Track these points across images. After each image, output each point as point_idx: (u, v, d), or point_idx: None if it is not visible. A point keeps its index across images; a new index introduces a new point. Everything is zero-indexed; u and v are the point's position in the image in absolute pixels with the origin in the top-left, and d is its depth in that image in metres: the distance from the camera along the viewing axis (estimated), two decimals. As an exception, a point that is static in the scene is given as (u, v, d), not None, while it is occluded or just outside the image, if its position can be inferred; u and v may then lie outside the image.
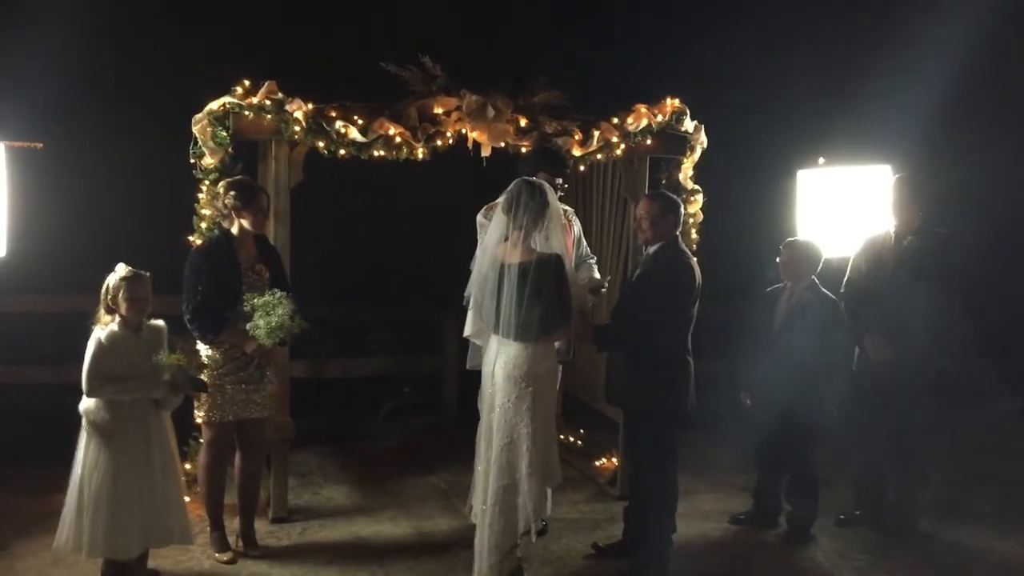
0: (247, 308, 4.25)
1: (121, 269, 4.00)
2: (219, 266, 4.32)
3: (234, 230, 4.41)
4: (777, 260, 5.05)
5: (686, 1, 8.05)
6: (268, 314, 4.19)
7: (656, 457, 4.47)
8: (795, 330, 4.87)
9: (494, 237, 4.14)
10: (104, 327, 3.92)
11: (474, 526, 4.26)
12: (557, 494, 5.26)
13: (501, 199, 4.15)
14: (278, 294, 4.27)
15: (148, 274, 4.04)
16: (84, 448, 4.00)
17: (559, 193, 4.49)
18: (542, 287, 3.98)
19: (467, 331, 4.56)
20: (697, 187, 5.59)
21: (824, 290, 4.98)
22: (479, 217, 4.85)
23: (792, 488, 5.13)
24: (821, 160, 5.65)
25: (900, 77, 7.36)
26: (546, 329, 4.04)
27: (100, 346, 3.89)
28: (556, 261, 4.03)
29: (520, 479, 4.06)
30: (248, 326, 4.24)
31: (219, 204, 4.42)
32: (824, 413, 4.93)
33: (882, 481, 5.18)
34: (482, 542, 4.15)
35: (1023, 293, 7.48)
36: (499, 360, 4.12)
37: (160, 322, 4.12)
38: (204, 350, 4.31)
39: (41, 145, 4.84)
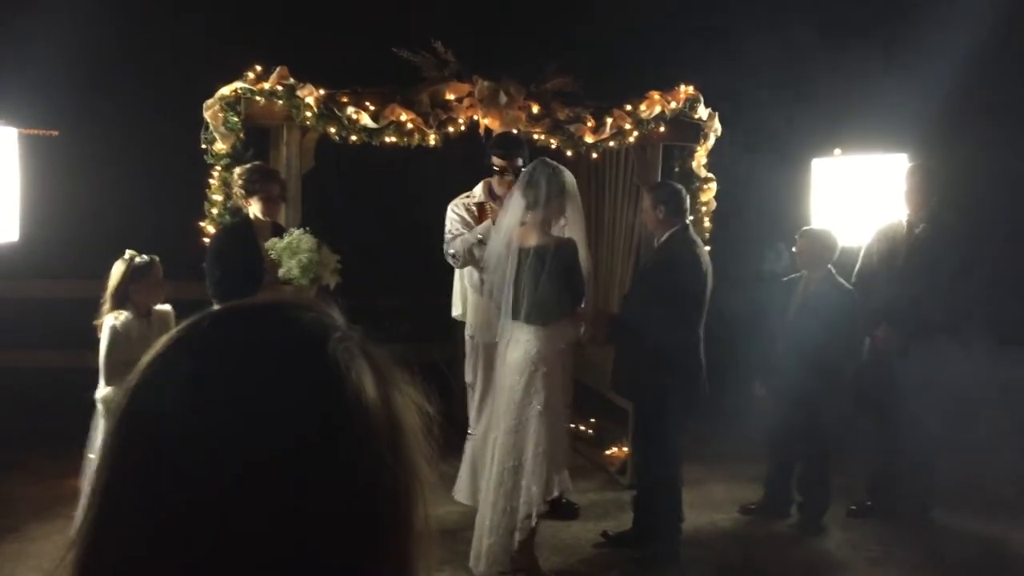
0: (273, 255, 4.14)
1: (132, 257, 4.01)
2: (240, 249, 4.30)
3: (252, 215, 4.40)
4: (793, 249, 5.02)
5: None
6: (295, 254, 4.10)
7: (659, 446, 4.46)
8: (810, 320, 4.82)
9: (511, 220, 4.11)
10: (117, 317, 3.93)
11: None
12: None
13: (518, 181, 4.12)
14: (295, 232, 4.18)
15: (158, 259, 4.06)
16: (104, 435, 4.00)
17: (508, 176, 4.49)
18: (556, 271, 3.98)
19: (455, 311, 4.78)
20: (711, 175, 5.56)
21: (840, 279, 4.94)
22: (450, 210, 4.75)
23: (804, 478, 5.10)
24: (837, 151, 5.61)
25: (919, 64, 7.28)
26: (557, 312, 4.03)
27: (116, 333, 3.91)
28: (571, 245, 4.04)
29: (526, 461, 4.05)
30: (280, 273, 4.12)
31: (234, 190, 4.42)
32: (837, 403, 4.90)
33: (894, 471, 5.14)
34: (482, 522, 4.16)
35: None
36: (511, 343, 4.13)
37: (167, 307, 4.14)
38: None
39: (57, 132, 4.86)
